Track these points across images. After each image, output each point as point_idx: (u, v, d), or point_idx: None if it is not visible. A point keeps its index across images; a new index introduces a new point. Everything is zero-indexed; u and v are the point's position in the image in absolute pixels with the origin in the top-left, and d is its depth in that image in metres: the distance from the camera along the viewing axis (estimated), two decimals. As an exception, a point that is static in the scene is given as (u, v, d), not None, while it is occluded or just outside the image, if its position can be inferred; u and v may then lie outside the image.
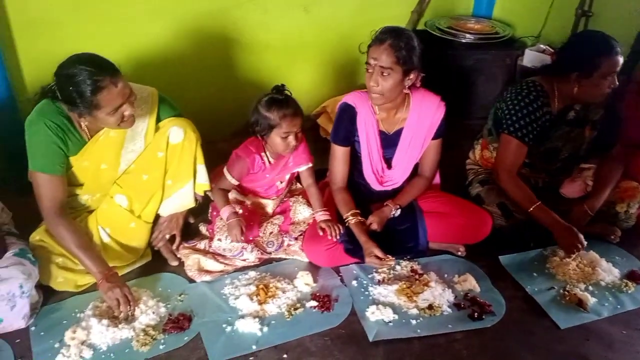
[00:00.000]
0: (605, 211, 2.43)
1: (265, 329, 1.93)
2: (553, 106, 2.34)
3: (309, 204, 2.41)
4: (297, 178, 2.54)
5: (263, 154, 2.33)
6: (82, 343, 1.83)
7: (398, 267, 2.25)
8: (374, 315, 2.00)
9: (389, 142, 2.29)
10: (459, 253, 2.35)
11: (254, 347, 1.86)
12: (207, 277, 2.16)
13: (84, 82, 1.80)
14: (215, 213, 2.39)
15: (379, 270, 2.22)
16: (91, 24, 2.58)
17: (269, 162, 2.36)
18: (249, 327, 1.92)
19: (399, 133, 2.27)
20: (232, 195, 2.39)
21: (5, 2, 2.39)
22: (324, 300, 2.06)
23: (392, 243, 2.20)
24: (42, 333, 1.89)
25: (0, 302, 1.82)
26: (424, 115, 2.23)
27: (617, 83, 2.21)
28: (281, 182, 2.45)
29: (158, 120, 2.14)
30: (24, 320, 1.89)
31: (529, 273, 2.26)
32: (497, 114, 2.43)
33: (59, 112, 1.94)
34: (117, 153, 2.09)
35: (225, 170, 2.35)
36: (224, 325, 1.94)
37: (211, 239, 2.29)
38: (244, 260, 2.24)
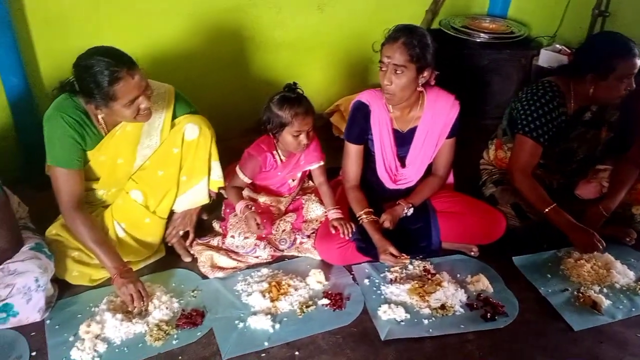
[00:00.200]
0: (621, 213, 2.41)
1: (277, 326, 1.94)
2: (569, 107, 2.32)
3: (321, 202, 2.41)
4: (309, 176, 2.54)
5: (275, 152, 2.34)
6: (97, 337, 1.85)
7: (410, 267, 2.24)
8: (385, 314, 2.00)
9: (403, 140, 2.29)
10: (472, 253, 2.34)
11: (266, 343, 1.87)
12: (220, 274, 2.17)
13: (101, 73, 1.82)
14: (228, 210, 2.40)
15: (392, 269, 2.21)
16: (108, 20, 2.60)
17: (281, 160, 2.36)
18: (261, 323, 1.93)
19: (412, 131, 2.27)
20: (245, 193, 2.40)
21: (24, -2, 2.42)
22: (336, 299, 2.06)
23: (404, 242, 2.19)
24: (57, 326, 1.91)
25: (16, 295, 1.85)
26: (438, 113, 2.23)
27: (634, 85, 2.19)
28: (293, 180, 2.46)
29: (174, 117, 2.16)
30: (39, 313, 1.91)
31: (543, 274, 2.24)
32: (512, 114, 2.42)
33: (76, 106, 1.96)
34: (133, 148, 2.11)
35: (237, 168, 2.36)
36: (236, 322, 1.95)
37: (224, 235, 2.30)
38: (257, 257, 2.25)
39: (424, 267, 2.24)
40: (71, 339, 1.86)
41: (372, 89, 2.28)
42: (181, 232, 2.30)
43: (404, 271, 2.22)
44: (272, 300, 2.03)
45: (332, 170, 2.50)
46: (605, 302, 2.09)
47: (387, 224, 2.24)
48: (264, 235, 2.28)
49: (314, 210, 2.40)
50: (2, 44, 2.34)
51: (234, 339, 1.88)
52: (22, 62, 2.44)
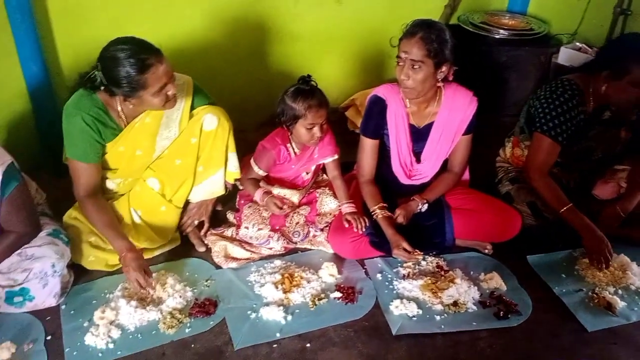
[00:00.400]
0: (639, 214, 2.38)
1: (289, 317, 1.95)
2: (588, 105, 2.29)
3: (335, 195, 2.41)
4: (323, 169, 2.54)
5: (289, 145, 2.34)
6: (111, 323, 1.87)
7: (423, 263, 2.23)
8: (397, 309, 2.00)
9: (419, 136, 2.27)
10: (486, 251, 2.33)
11: (277, 334, 1.88)
12: (234, 264, 2.18)
13: (130, 62, 1.82)
14: (242, 201, 2.41)
15: (404, 264, 2.21)
16: (126, 10, 2.61)
17: (295, 153, 2.36)
18: (273, 315, 1.94)
19: (429, 127, 2.26)
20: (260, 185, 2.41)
21: (45, -13, 2.44)
22: (348, 292, 2.06)
23: (418, 238, 2.18)
24: (72, 312, 1.93)
25: (33, 280, 1.88)
26: (455, 110, 2.21)
27: None
28: (307, 174, 2.46)
29: (192, 108, 2.16)
30: (55, 298, 1.93)
31: (557, 274, 2.22)
32: (530, 111, 2.39)
33: (95, 103, 1.97)
34: (152, 139, 2.12)
35: (252, 161, 2.36)
36: (248, 312, 1.96)
37: (238, 226, 2.31)
38: (270, 248, 2.26)
39: (437, 263, 2.23)
40: (86, 324, 1.88)
41: (388, 84, 2.27)
42: (196, 222, 2.32)
43: (417, 267, 2.22)
44: (285, 292, 2.04)
45: (347, 165, 2.50)
46: (620, 304, 2.07)
47: (400, 219, 2.23)
48: (277, 227, 2.28)
49: (328, 203, 2.40)
50: (23, 33, 2.36)
51: (246, 329, 1.89)
52: (41, 50, 2.46)
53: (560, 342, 1.93)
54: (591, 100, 2.29)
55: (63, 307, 1.95)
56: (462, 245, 2.34)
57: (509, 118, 2.96)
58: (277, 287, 2.05)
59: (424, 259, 2.24)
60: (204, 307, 1.96)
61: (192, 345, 1.84)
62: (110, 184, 2.19)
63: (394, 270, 2.20)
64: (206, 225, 2.33)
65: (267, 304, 1.99)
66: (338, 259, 2.25)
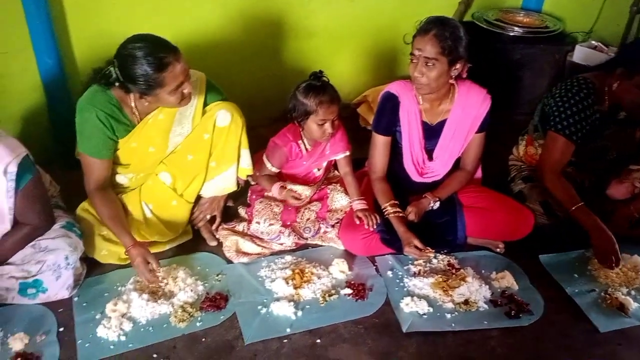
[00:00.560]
0: (653, 214, 2.36)
1: (300, 313, 1.95)
2: (604, 104, 2.26)
3: (346, 192, 2.40)
4: (334, 166, 2.54)
5: (300, 141, 2.34)
6: (123, 316, 1.89)
7: (435, 261, 2.23)
8: (408, 306, 1.99)
9: (432, 133, 2.26)
10: (498, 250, 2.32)
11: (288, 330, 1.89)
12: (245, 259, 2.19)
13: (147, 60, 1.82)
14: (254, 197, 2.42)
15: (415, 262, 2.20)
16: (141, 4, 2.62)
17: (306, 149, 2.36)
18: (283, 310, 1.95)
19: (442, 124, 2.24)
20: (271, 181, 2.42)
21: (60, -19, 2.45)
22: (359, 289, 2.06)
23: (429, 236, 2.17)
24: (85, 304, 1.95)
25: (47, 271, 1.90)
26: (469, 107, 2.20)
27: None
28: (318, 170, 2.46)
29: (205, 104, 2.17)
30: (68, 290, 1.95)
31: (570, 274, 2.21)
32: (544, 110, 2.37)
33: (109, 100, 1.98)
34: (165, 136, 2.12)
35: (264, 158, 2.37)
36: (259, 307, 1.97)
37: (250, 221, 2.32)
38: (281, 244, 2.26)
39: (448, 261, 2.23)
40: (98, 316, 1.89)
41: (401, 80, 2.26)
42: (208, 217, 2.32)
43: (428, 265, 2.21)
44: (295, 288, 2.04)
45: (358, 161, 2.49)
46: (633, 305, 2.05)
47: (412, 217, 2.22)
48: (288, 223, 2.29)
49: (339, 200, 2.40)
50: (38, 26, 2.37)
51: (257, 324, 1.90)
52: (56, 44, 2.47)
53: (571, 342, 1.92)
54: (606, 99, 2.26)
55: (76, 299, 1.97)
56: (473, 243, 2.33)
57: (523, 116, 2.94)
58: (287, 283, 2.05)
59: (435, 257, 2.23)
60: (214, 301, 1.97)
61: (203, 339, 1.85)
62: (121, 179, 2.19)
63: (405, 267, 2.19)
64: (218, 219, 2.34)
65: (278, 299, 1.99)
66: (349, 256, 2.25)
